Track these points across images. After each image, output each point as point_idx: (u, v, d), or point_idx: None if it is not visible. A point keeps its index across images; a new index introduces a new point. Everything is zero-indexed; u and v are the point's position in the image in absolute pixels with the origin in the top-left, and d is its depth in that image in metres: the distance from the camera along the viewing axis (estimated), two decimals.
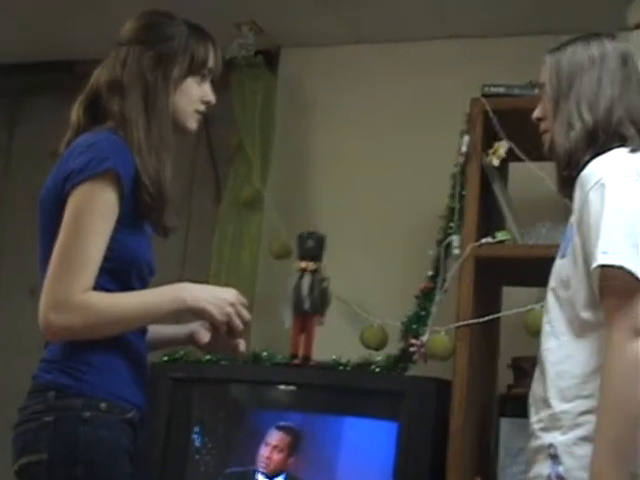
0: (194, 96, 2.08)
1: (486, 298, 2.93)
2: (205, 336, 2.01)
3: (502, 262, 2.83)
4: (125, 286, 1.92)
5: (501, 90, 2.92)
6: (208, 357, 3.03)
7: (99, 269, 1.85)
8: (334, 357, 3.01)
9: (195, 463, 2.93)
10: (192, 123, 2.10)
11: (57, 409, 1.85)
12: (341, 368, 2.98)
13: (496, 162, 2.85)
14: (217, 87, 2.15)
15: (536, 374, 1.95)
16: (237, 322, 1.97)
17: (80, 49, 3.78)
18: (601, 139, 1.92)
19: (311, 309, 3.06)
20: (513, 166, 3.06)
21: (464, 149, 2.89)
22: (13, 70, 4.12)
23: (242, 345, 2.06)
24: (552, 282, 1.95)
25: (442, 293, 2.90)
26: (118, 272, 1.91)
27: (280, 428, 2.90)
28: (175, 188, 2.00)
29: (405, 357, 2.93)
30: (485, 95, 2.92)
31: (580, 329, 1.85)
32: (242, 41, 3.61)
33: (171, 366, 3.07)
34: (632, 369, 1.70)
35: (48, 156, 2.19)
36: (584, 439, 1.77)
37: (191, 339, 2.07)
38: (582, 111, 1.95)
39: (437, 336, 2.84)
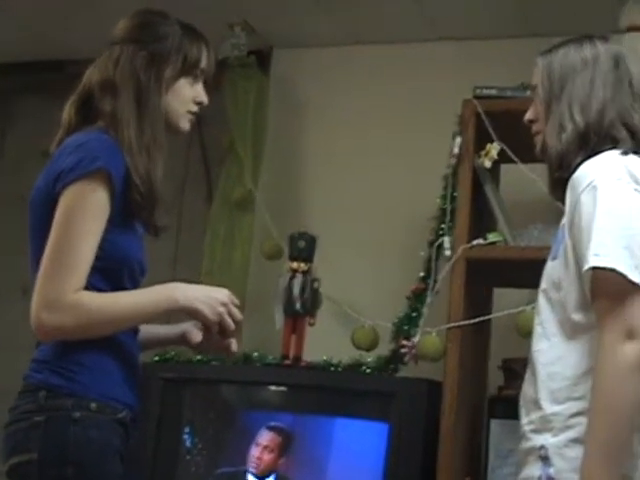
0: (187, 97, 2.07)
1: (477, 299, 2.93)
2: (197, 336, 2.01)
3: (493, 264, 2.84)
4: (116, 285, 1.92)
5: (493, 92, 2.93)
6: (199, 357, 3.03)
7: (90, 268, 1.85)
8: (325, 358, 3.01)
9: (186, 463, 2.93)
10: (185, 124, 2.10)
11: (48, 409, 1.84)
12: (332, 369, 2.99)
13: (488, 164, 2.85)
14: (209, 87, 2.15)
15: (527, 376, 1.95)
16: (229, 322, 1.97)
17: (72, 49, 3.77)
18: (593, 141, 1.92)
19: (302, 310, 3.06)
20: (505, 168, 3.06)
21: (456, 150, 2.90)
22: (4, 69, 4.11)
23: (234, 345, 2.06)
24: (543, 284, 1.95)
25: (433, 294, 2.90)
26: (109, 271, 1.91)
27: (271, 428, 2.90)
28: (167, 188, 2.00)
29: (396, 358, 2.93)
30: (477, 97, 2.92)
31: (571, 331, 1.85)
32: (235, 41, 3.60)
33: (162, 366, 3.07)
34: (623, 371, 1.70)
35: (40, 156, 2.19)
36: (575, 441, 1.77)
37: (183, 339, 2.07)
38: (574, 113, 1.95)
39: (428, 337, 2.85)
